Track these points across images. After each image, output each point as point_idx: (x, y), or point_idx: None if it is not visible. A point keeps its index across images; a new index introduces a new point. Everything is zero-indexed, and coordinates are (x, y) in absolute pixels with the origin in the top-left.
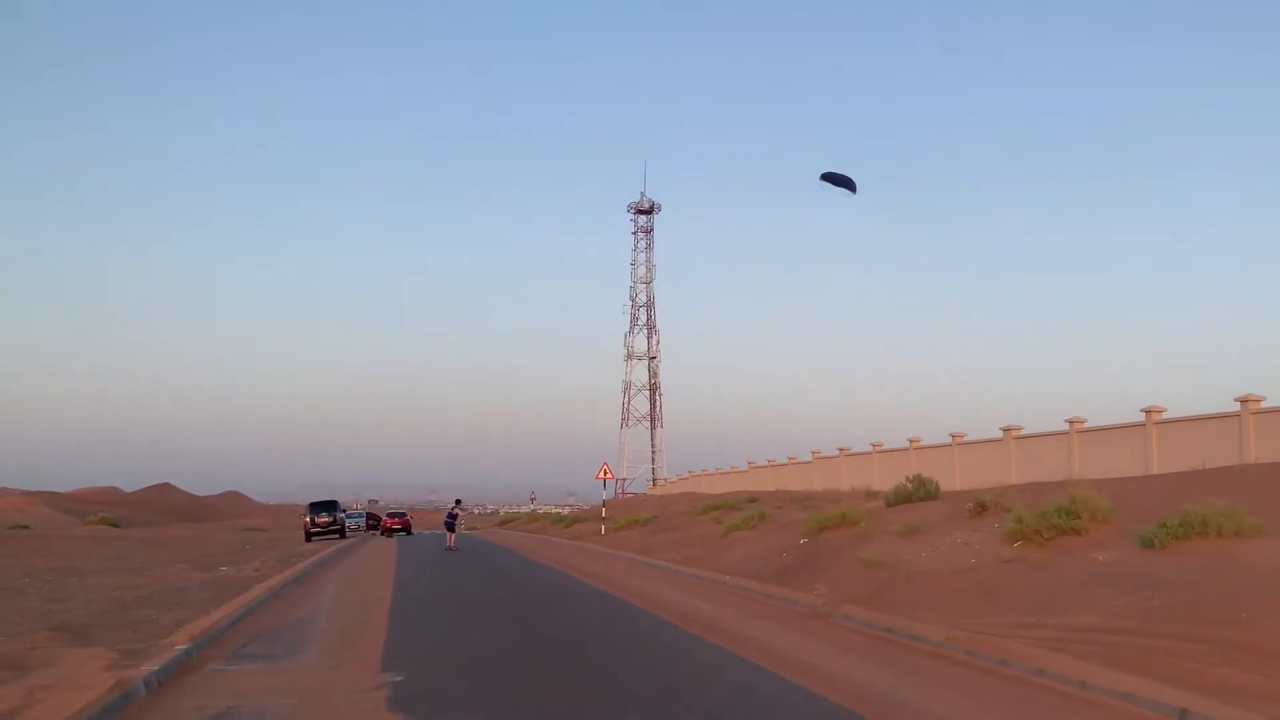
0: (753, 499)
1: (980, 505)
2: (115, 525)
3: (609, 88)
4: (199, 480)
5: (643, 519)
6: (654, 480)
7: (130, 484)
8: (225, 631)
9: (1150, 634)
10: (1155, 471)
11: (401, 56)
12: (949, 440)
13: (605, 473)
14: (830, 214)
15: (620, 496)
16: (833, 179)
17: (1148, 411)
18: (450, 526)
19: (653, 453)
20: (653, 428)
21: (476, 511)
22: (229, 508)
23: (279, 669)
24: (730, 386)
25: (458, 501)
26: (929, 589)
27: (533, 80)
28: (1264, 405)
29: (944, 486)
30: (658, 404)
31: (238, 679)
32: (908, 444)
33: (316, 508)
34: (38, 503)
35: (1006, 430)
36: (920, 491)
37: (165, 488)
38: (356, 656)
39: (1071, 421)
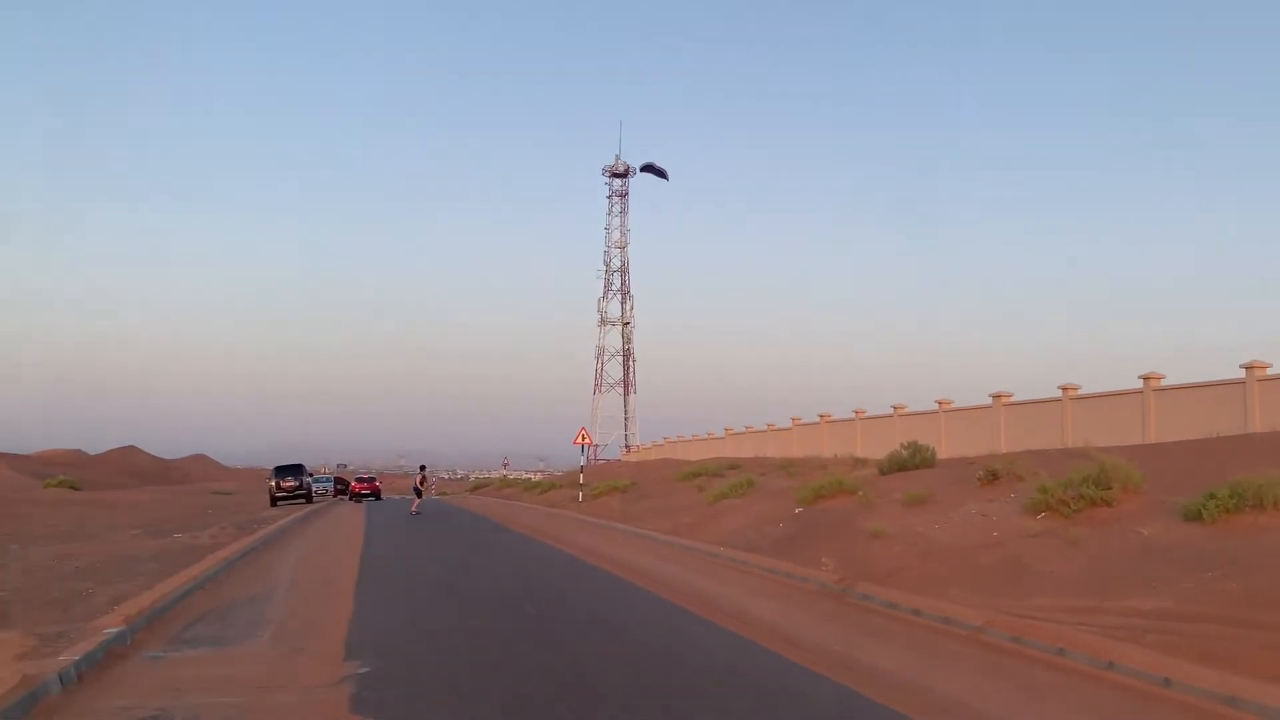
0: (734, 465)
1: (991, 473)
2: (76, 488)
3: (584, 49)
4: (166, 443)
5: (621, 486)
6: (627, 446)
7: (96, 446)
8: (169, 609)
9: (1236, 622)
10: (1153, 440)
11: (369, 17)
12: (935, 407)
13: (584, 438)
14: (807, 180)
15: (593, 463)
16: (651, 169)
17: (1146, 378)
18: (418, 493)
19: (625, 419)
20: (625, 394)
21: (447, 477)
22: (196, 471)
23: (225, 657)
24: (704, 352)
25: (422, 468)
26: (952, 565)
27: (505, 41)
28: (1270, 372)
29: (964, 452)
30: (631, 370)
31: (174, 669)
32: (892, 411)
33: (282, 471)
34: None
35: (996, 397)
36: (916, 459)
37: (131, 450)
38: (316, 641)
39: (1065, 388)
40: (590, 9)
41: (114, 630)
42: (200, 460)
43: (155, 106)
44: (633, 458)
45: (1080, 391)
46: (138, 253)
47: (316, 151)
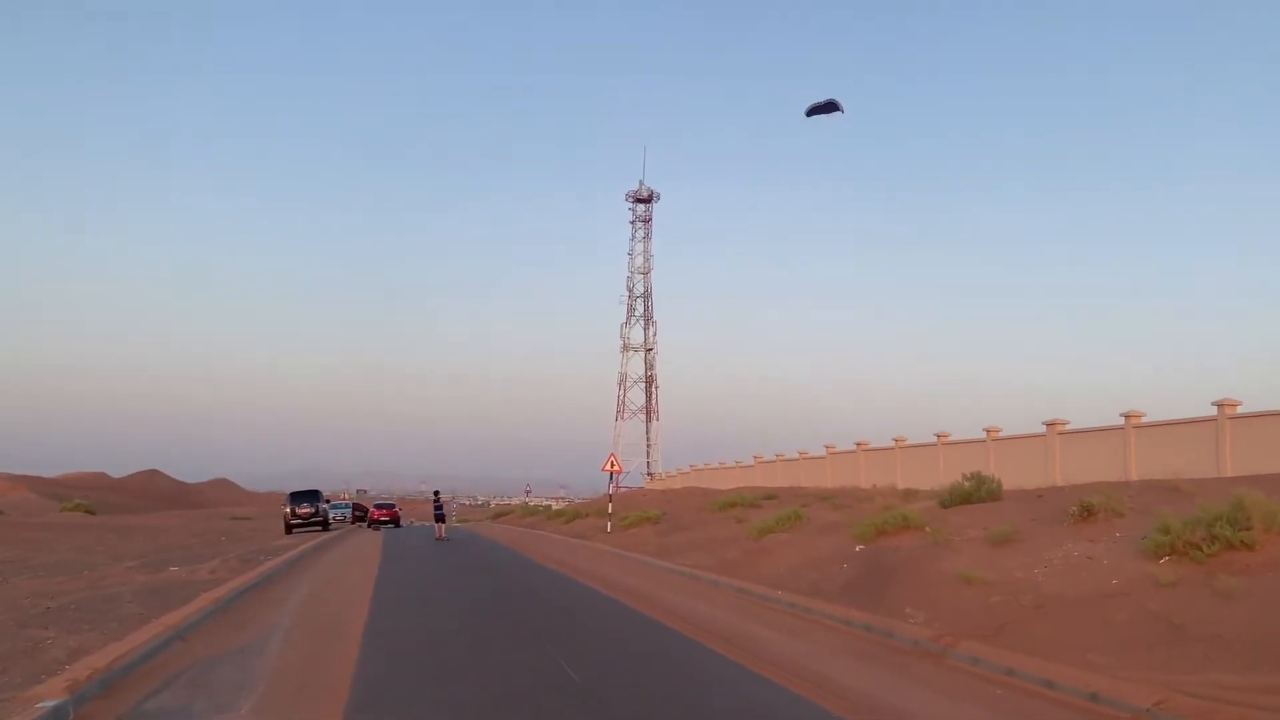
0: (770, 496)
1: (1085, 509)
2: (92, 512)
3: (608, 77)
4: (189, 467)
5: (653, 516)
6: (649, 474)
7: (120, 470)
8: (133, 669)
9: None
10: (1229, 474)
11: (396, 47)
12: (983, 436)
13: (613, 464)
14: (830, 206)
15: (614, 490)
16: (818, 109)
17: (1220, 405)
18: (439, 518)
19: (648, 446)
20: (648, 420)
21: (467, 503)
22: (217, 495)
23: None
24: (727, 380)
25: (436, 494)
26: (1073, 621)
27: (531, 70)
28: None
29: (1011, 485)
30: (654, 396)
31: None
32: (935, 439)
33: (297, 498)
34: (21, 487)
35: (1050, 425)
36: (981, 490)
37: (154, 474)
38: (309, 712)
39: (1128, 416)
40: (616, 37)
41: (50, 704)
42: (222, 484)
43: (191, 141)
44: (658, 486)
45: (1145, 419)
46: (164, 279)
47: (341, 182)
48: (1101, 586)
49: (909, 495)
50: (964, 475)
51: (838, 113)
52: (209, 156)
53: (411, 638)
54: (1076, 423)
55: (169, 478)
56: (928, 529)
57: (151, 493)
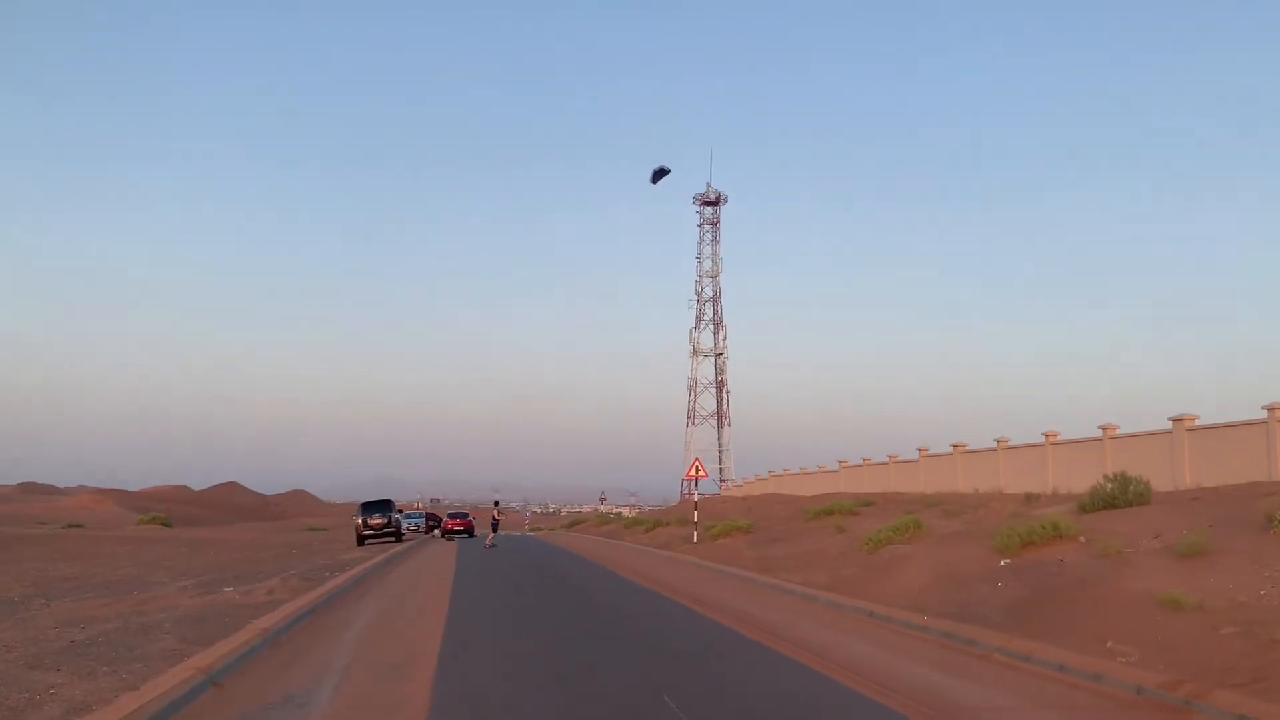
0: (867, 502)
1: None
2: (167, 525)
3: (673, 79)
4: (267, 479)
5: (743, 525)
6: (722, 480)
7: (201, 482)
8: None
9: None
10: None
11: (454, 53)
12: (1098, 434)
13: (697, 470)
14: (902, 210)
15: (686, 497)
16: (658, 174)
17: None
18: (494, 527)
19: (720, 452)
20: (719, 426)
21: (538, 510)
22: (294, 507)
23: None
24: (798, 384)
25: (496, 504)
26: None
27: (595, 74)
28: None
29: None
30: (724, 401)
31: None
32: (1043, 439)
33: (369, 508)
34: (106, 501)
35: (1178, 420)
36: (1128, 493)
37: (232, 486)
38: None
39: (1271, 408)
40: (687, 40)
41: None
42: (299, 496)
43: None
44: (736, 493)
45: None
46: (244, 297)
47: (420, 194)
48: None
49: (1030, 500)
50: (1105, 476)
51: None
52: (248, 172)
53: (493, 688)
54: (1205, 418)
55: (248, 490)
56: (1082, 539)
57: (230, 505)
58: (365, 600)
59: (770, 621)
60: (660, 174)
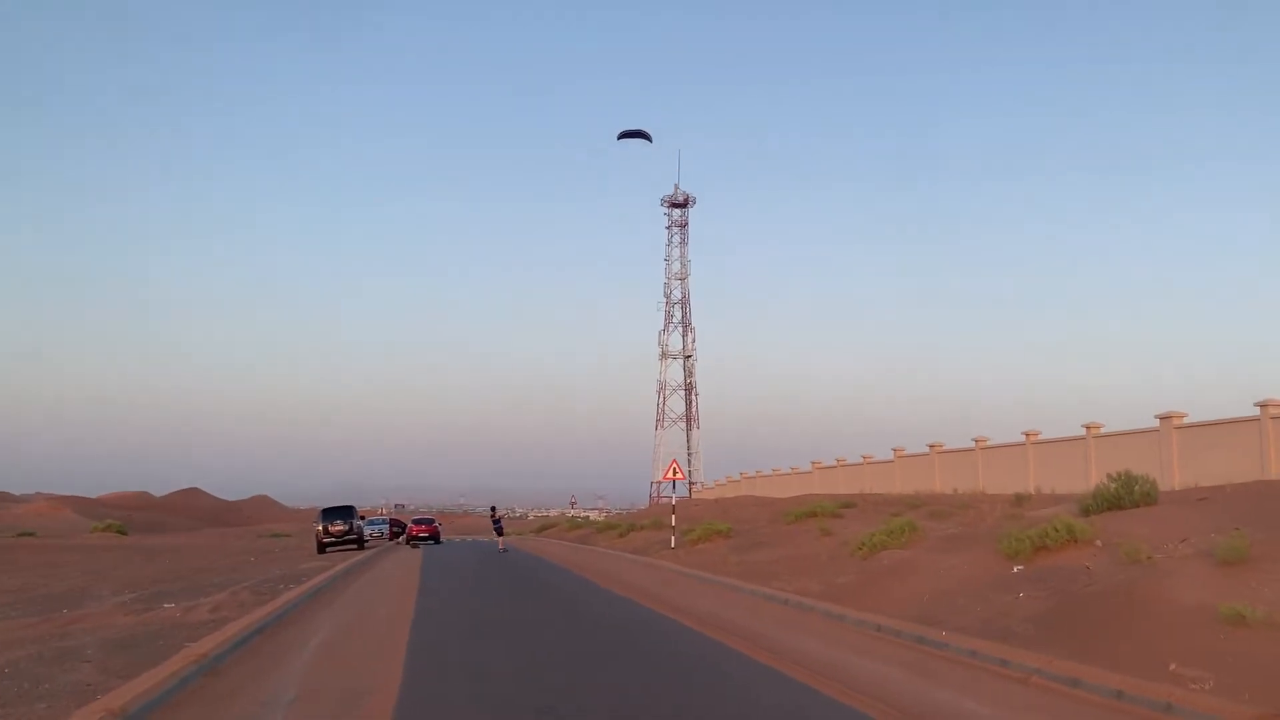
0: (847, 504)
1: None
2: (123, 533)
3: (641, 79)
4: (230, 484)
5: (723, 529)
6: (691, 483)
7: (163, 488)
8: None
9: None
10: None
11: (425, 56)
12: (1082, 433)
13: (675, 472)
14: (868, 211)
15: (656, 500)
16: (629, 134)
17: None
18: (499, 531)
19: (689, 454)
20: (689, 429)
21: (506, 514)
22: (257, 512)
23: None
24: (767, 385)
25: (493, 508)
26: None
27: (561, 74)
28: None
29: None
30: (694, 404)
31: None
32: (1023, 438)
33: (329, 514)
34: (64, 508)
35: (1165, 418)
36: (1133, 493)
37: (194, 492)
38: None
39: (1264, 405)
40: (651, 42)
41: None
42: (262, 501)
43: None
44: (708, 495)
45: None
46: (202, 297)
47: (370, 197)
48: None
49: (1021, 501)
50: (1109, 475)
51: (646, 140)
52: (251, 172)
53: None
54: (1195, 416)
55: (209, 495)
56: (1098, 542)
57: (192, 511)
58: (321, 616)
59: (767, 636)
60: (632, 135)
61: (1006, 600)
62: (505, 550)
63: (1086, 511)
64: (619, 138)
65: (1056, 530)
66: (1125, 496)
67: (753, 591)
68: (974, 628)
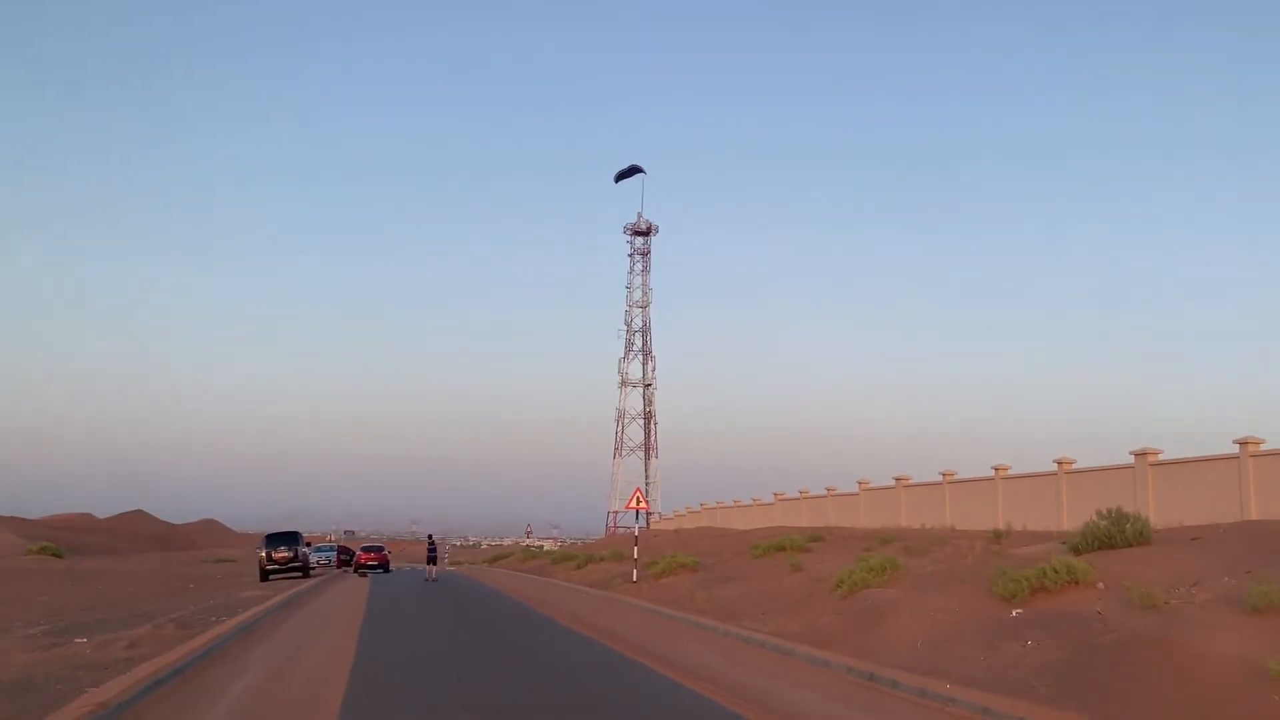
0: (815, 537)
1: None
2: (58, 555)
3: (605, 107)
4: (177, 508)
5: (688, 563)
6: (650, 513)
7: (108, 510)
8: None
9: None
10: None
11: (389, 80)
12: (1053, 468)
13: (638, 501)
14: (828, 240)
15: (613, 531)
16: (624, 174)
17: None
18: (431, 560)
19: (647, 484)
20: (647, 458)
21: (458, 544)
22: (203, 537)
23: None
24: (728, 416)
25: (430, 537)
26: None
27: (525, 99)
28: None
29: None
30: (653, 433)
31: None
32: (993, 473)
33: (274, 540)
34: (2, 529)
35: (1140, 454)
36: (1126, 531)
37: (138, 515)
38: None
39: (1243, 443)
40: (614, 62)
41: None
42: (209, 525)
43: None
44: (667, 526)
45: (1265, 446)
46: (154, 316)
47: (326, 222)
48: None
49: (999, 537)
50: (1098, 513)
51: (641, 173)
52: (207, 176)
53: None
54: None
55: (155, 519)
56: (1100, 584)
57: (136, 534)
58: (257, 651)
59: (750, 686)
60: (629, 173)
61: (1014, 648)
62: (434, 580)
63: (1077, 550)
64: (616, 180)
65: (1056, 571)
66: (1117, 535)
67: (726, 632)
68: (981, 679)
